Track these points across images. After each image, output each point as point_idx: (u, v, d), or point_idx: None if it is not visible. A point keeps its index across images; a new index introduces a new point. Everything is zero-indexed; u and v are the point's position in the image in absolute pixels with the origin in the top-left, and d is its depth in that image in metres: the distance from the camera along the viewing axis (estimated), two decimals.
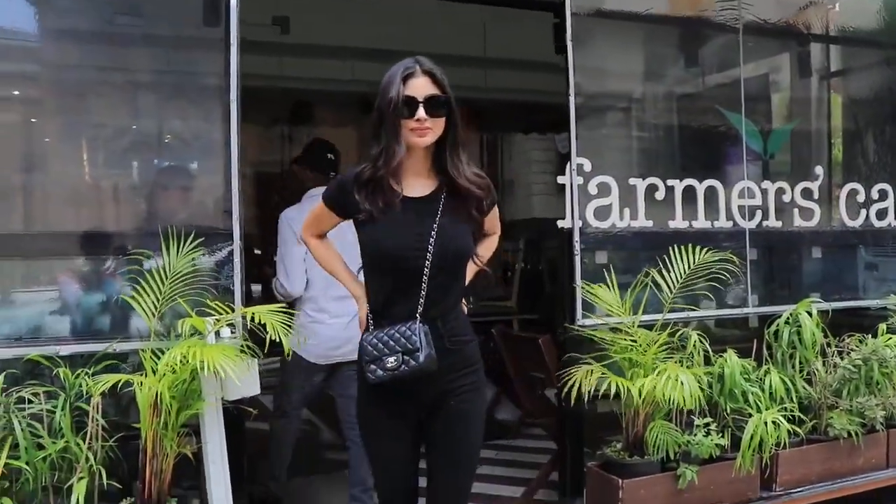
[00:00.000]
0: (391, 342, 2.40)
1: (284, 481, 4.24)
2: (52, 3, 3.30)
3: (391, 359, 2.39)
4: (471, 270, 2.71)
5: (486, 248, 2.76)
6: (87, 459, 2.68)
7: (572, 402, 3.38)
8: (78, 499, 2.59)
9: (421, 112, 2.38)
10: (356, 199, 2.44)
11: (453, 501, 2.64)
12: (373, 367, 2.41)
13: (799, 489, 3.69)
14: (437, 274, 2.45)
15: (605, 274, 3.56)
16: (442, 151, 2.48)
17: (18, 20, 3.20)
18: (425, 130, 2.40)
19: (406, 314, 2.44)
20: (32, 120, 3.27)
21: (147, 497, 2.76)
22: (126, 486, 2.86)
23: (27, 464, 2.60)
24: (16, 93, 3.26)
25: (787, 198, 4.30)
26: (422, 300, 2.43)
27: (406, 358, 2.38)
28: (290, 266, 3.79)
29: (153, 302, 2.90)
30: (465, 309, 2.65)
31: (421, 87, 2.40)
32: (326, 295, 3.76)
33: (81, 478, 2.65)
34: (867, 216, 4.53)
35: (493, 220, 2.71)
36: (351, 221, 2.55)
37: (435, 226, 2.45)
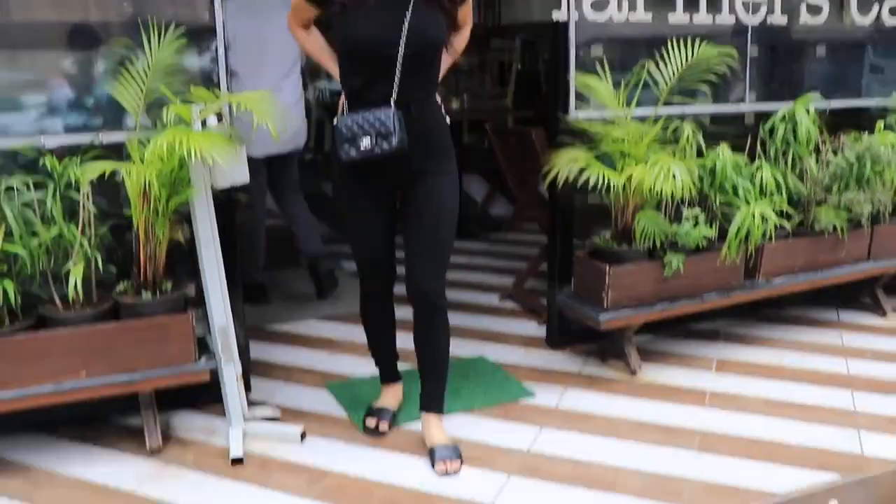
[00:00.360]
0: (366, 125, 2.47)
1: (262, 272, 4.41)
2: None
3: (365, 139, 2.48)
4: (445, 63, 2.74)
5: (460, 41, 2.77)
6: (82, 245, 2.67)
7: (560, 189, 3.35)
8: (75, 281, 2.61)
9: None
10: None
11: (428, 279, 2.69)
12: (346, 146, 2.50)
13: (781, 279, 3.70)
14: (410, 62, 2.48)
15: (600, 68, 3.39)
16: None
17: None
18: None
19: (380, 100, 2.49)
20: None
21: (143, 280, 2.78)
22: (123, 273, 2.89)
23: (24, 248, 2.60)
24: None
25: None
26: (395, 86, 2.48)
27: (379, 140, 2.47)
28: None
29: (137, 93, 2.79)
30: (439, 99, 2.69)
31: None
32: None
33: (77, 262, 2.66)
34: (879, 13, 4.24)
35: (465, 11, 2.70)
36: None
37: (407, 14, 2.45)
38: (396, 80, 2.48)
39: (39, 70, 3.06)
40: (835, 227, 3.70)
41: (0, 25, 2.92)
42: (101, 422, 3.06)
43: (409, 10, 2.46)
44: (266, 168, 4.17)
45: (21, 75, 3.03)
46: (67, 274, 2.64)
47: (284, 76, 4.07)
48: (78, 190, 2.70)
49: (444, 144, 2.69)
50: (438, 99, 2.70)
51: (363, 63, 2.54)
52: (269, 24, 3.85)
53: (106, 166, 2.65)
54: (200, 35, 2.99)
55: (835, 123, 3.97)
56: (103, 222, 2.79)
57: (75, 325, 2.66)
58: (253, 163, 3.72)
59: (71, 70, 3.07)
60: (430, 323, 2.76)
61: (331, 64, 2.75)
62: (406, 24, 2.45)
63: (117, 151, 2.86)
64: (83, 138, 2.86)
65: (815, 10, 4.08)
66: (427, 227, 2.67)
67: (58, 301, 2.71)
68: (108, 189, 2.91)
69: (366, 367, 3.33)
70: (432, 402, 2.86)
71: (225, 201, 2.96)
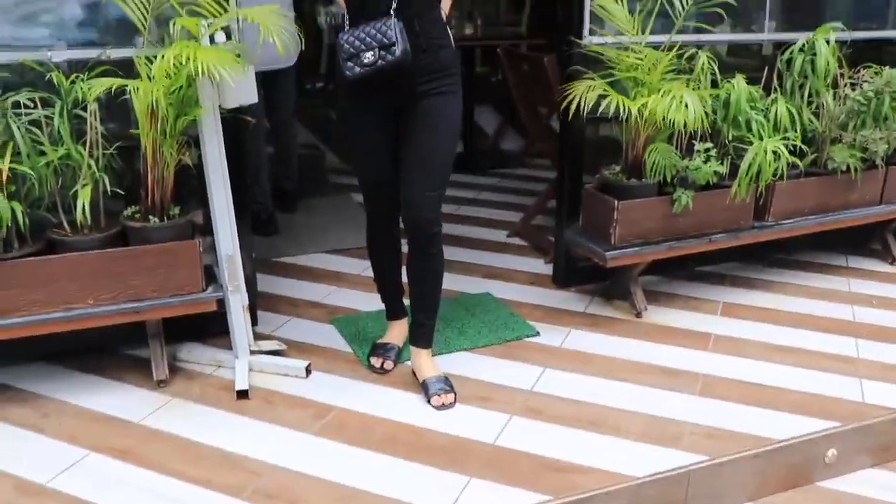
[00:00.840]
0: (367, 38, 2.39)
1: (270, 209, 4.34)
2: None
3: (368, 54, 2.39)
4: None
5: None
6: (90, 167, 2.58)
7: (572, 121, 3.20)
8: (83, 205, 2.52)
9: None
10: None
11: (423, 202, 2.58)
12: (350, 63, 2.42)
13: (790, 221, 3.57)
14: None
15: None
16: None
17: None
18: None
19: (382, 10, 2.39)
20: None
21: (151, 203, 2.68)
22: (131, 197, 2.78)
23: (31, 169, 2.50)
24: None
25: None
26: None
27: (382, 53, 2.38)
28: None
29: (144, 7, 2.63)
30: (444, 17, 2.57)
31: None
32: None
33: (85, 184, 2.56)
34: None
35: None
36: None
37: None
38: None
39: None
40: (848, 167, 3.55)
41: None
42: (108, 353, 3.02)
43: None
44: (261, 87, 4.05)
45: None
46: (75, 197, 2.54)
47: None
48: (85, 109, 2.59)
49: (447, 62, 2.57)
50: (443, 16, 2.59)
51: None
52: None
53: (112, 82, 2.51)
54: None
55: (857, 56, 3.75)
56: (111, 144, 2.67)
57: (83, 250, 2.57)
58: None
59: None
60: (422, 252, 2.66)
61: None
62: None
63: (126, 69, 2.70)
64: (91, 53, 2.72)
65: None
66: (423, 147, 2.57)
67: (66, 225, 2.62)
68: (116, 109, 2.79)
69: (372, 303, 3.26)
70: (420, 336, 2.81)
71: (232, 123, 2.82)
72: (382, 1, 2.41)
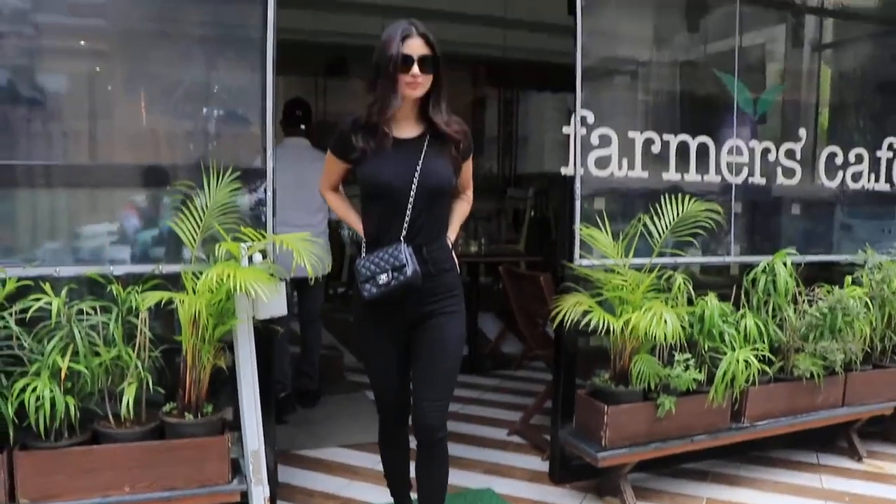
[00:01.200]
0: (381, 262, 2.64)
1: (288, 388, 4.67)
2: None
3: (383, 276, 2.63)
4: (459, 213, 2.92)
5: (459, 216, 2.93)
6: (136, 367, 2.82)
7: (562, 328, 3.48)
8: (128, 401, 2.74)
9: (416, 69, 2.60)
10: (353, 141, 2.68)
11: (430, 410, 2.74)
12: (367, 285, 2.66)
13: (764, 422, 3.80)
14: (420, 202, 2.68)
15: (602, 219, 3.61)
16: (428, 101, 2.70)
17: None
18: (418, 84, 2.62)
19: (394, 239, 2.67)
20: (97, 68, 3.35)
21: (187, 402, 2.91)
22: (169, 393, 3.02)
23: (86, 368, 2.74)
24: (83, 44, 3.32)
25: (772, 157, 4.30)
26: (406, 225, 2.67)
27: (395, 274, 2.61)
28: None
29: (194, 229, 3.01)
30: (450, 244, 2.84)
31: (416, 47, 2.62)
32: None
33: (131, 383, 2.80)
34: (843, 178, 4.54)
35: (467, 171, 2.90)
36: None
37: (420, 161, 2.68)
38: (407, 218, 2.65)
39: (114, 204, 3.30)
40: (812, 374, 3.82)
41: (85, 166, 3.21)
42: None
43: (422, 156, 2.67)
44: (294, 290, 4.50)
45: (98, 208, 3.29)
46: (122, 393, 2.78)
47: (315, 211, 4.55)
48: (137, 315, 2.87)
49: (453, 284, 2.79)
50: (449, 243, 2.83)
51: (380, 203, 2.70)
52: (304, 169, 4.35)
53: (163, 296, 2.83)
54: (252, 176, 3.24)
55: (811, 274, 4.16)
56: (156, 346, 2.93)
57: (125, 441, 2.78)
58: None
59: (140, 204, 3.31)
60: (429, 454, 2.79)
61: (356, 222, 2.88)
62: (419, 168, 2.65)
63: (174, 281, 3.03)
64: (146, 268, 3.07)
65: (789, 172, 4.36)
66: (432, 364, 2.75)
67: (111, 418, 2.83)
68: (162, 315, 3.07)
69: (383, 496, 3.33)
70: None
71: (264, 331, 3.11)
72: (394, 231, 2.67)
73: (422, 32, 2.62)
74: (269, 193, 3.22)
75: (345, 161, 2.79)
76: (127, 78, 3.33)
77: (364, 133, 2.67)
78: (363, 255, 2.73)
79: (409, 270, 2.60)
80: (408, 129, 2.73)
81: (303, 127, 4.73)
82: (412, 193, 2.65)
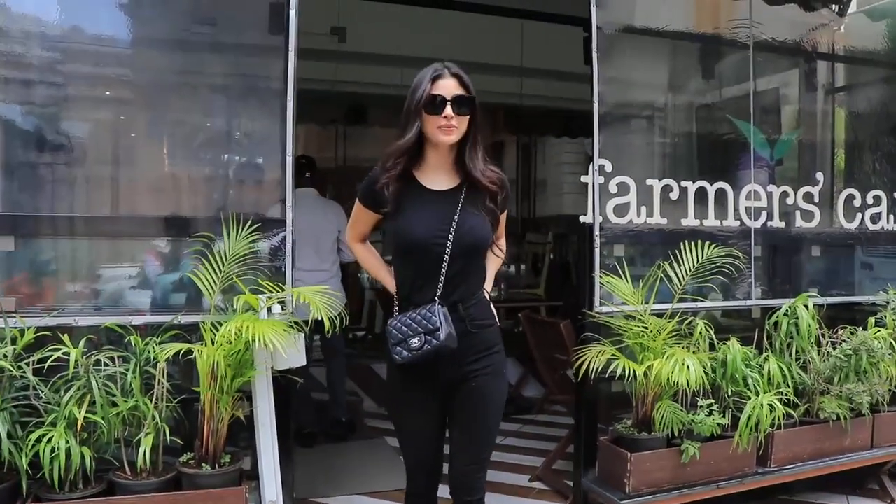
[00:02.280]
0: (414, 324, 2.34)
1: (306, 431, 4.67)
2: (139, 14, 3.27)
3: (415, 340, 2.32)
4: (493, 266, 2.63)
5: (493, 267, 2.65)
6: (154, 417, 2.68)
7: (587, 378, 3.28)
8: (145, 451, 2.61)
9: (448, 109, 2.33)
10: (383, 191, 2.40)
11: (470, 472, 2.52)
12: (398, 348, 2.35)
13: (791, 466, 3.56)
14: (457, 260, 2.39)
15: (621, 266, 3.45)
16: (463, 150, 2.43)
17: (110, 30, 3.22)
18: (451, 128, 2.36)
19: (428, 298, 2.38)
20: (121, 117, 3.27)
21: (205, 453, 2.76)
22: (187, 443, 2.86)
23: (103, 419, 2.61)
24: (108, 93, 3.25)
25: (790, 201, 4.14)
26: (441, 284, 2.38)
27: (428, 338, 2.31)
28: None
29: (213, 280, 2.88)
30: (487, 296, 2.56)
31: (449, 87, 2.37)
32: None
33: (148, 433, 2.67)
34: (862, 219, 4.36)
35: (503, 221, 2.61)
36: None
37: (456, 216, 2.40)
38: (442, 276, 2.37)
39: (134, 252, 3.20)
40: (839, 416, 3.60)
41: (109, 217, 3.12)
42: None
43: (458, 211, 2.40)
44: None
45: (121, 259, 3.18)
46: (138, 442, 2.63)
47: (328, 255, 4.69)
48: (155, 366, 2.73)
49: (492, 341, 2.50)
50: (487, 296, 2.55)
51: (413, 260, 2.42)
52: (315, 217, 4.43)
53: (181, 347, 2.70)
54: (271, 225, 3.09)
55: (833, 315, 3.96)
56: (174, 396, 2.79)
57: (141, 493, 2.62)
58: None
59: (162, 253, 3.19)
60: None
61: (387, 277, 2.61)
62: (455, 223, 2.38)
63: (192, 331, 2.90)
64: (165, 318, 2.92)
65: (808, 215, 4.18)
66: (473, 429, 2.49)
67: (126, 468, 2.68)
68: (181, 363, 2.93)
69: None
70: None
71: (283, 382, 2.96)
72: (428, 290, 2.38)
73: (455, 72, 2.38)
74: (289, 245, 3.06)
75: (375, 212, 2.51)
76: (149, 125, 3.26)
77: (395, 183, 2.39)
78: (395, 314, 2.44)
79: (442, 334, 2.29)
80: (442, 179, 2.45)
81: (307, 175, 4.69)
82: (447, 251, 2.36)
